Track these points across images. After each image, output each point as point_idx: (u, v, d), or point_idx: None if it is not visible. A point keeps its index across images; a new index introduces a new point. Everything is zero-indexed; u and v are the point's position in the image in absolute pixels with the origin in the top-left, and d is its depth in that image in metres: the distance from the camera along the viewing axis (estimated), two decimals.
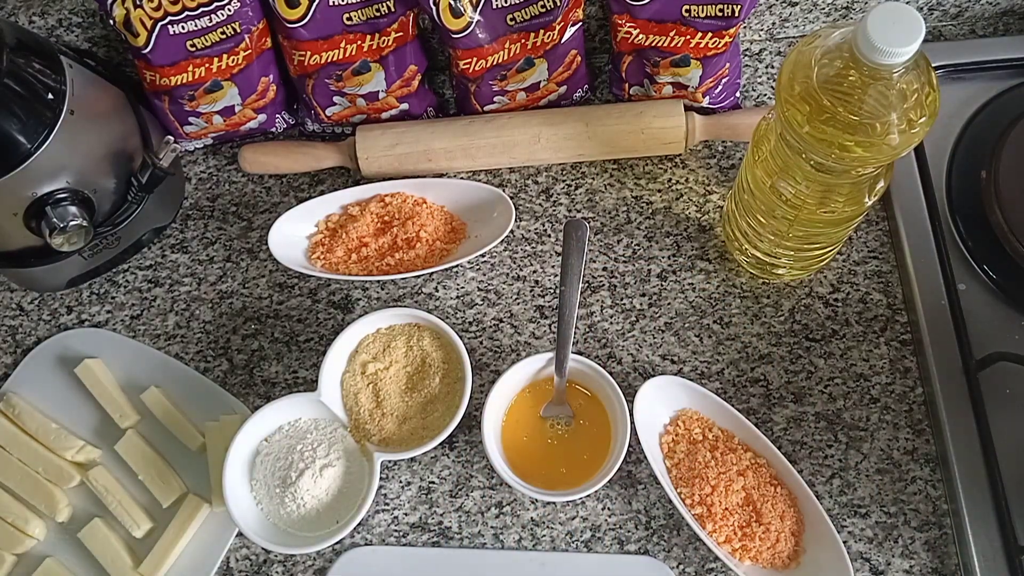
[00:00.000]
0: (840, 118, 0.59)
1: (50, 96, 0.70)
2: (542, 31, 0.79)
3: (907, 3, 0.84)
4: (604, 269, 0.82)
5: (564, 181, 0.86)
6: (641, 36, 0.80)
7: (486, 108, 0.86)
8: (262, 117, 0.86)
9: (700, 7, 0.76)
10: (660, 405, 0.75)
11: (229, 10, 0.76)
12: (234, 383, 0.80)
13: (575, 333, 0.78)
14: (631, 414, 0.71)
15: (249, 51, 0.79)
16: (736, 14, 0.76)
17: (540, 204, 0.85)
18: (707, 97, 0.84)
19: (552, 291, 0.82)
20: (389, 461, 0.76)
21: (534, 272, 0.83)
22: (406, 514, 0.75)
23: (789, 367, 0.78)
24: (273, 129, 0.88)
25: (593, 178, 0.86)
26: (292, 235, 0.82)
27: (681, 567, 0.72)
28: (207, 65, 0.79)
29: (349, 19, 0.77)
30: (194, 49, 0.77)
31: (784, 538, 0.70)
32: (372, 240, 0.81)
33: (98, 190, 0.76)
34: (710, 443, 0.73)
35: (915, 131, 0.59)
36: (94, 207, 0.76)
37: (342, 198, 0.83)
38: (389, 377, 0.76)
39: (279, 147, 0.86)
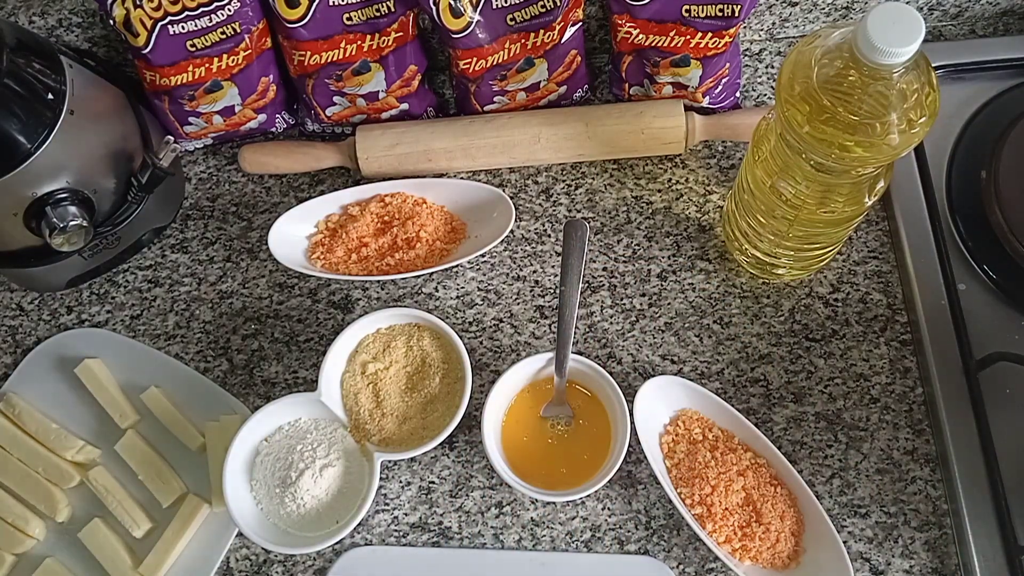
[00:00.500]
0: (840, 118, 0.59)
1: (50, 96, 0.70)
2: (542, 31, 0.79)
3: (907, 3, 0.84)
4: (604, 269, 0.82)
5: (564, 181, 0.86)
6: (641, 36, 0.80)
7: (486, 108, 0.86)
8: (262, 117, 0.86)
9: (700, 7, 0.76)
10: (660, 405, 0.75)
11: (229, 10, 0.76)
12: (234, 383, 0.80)
13: (575, 333, 0.78)
14: (631, 414, 0.71)
15: (249, 51, 0.79)
16: (736, 14, 0.76)
17: (540, 204, 0.85)
18: (707, 97, 0.84)
19: (552, 291, 0.82)
20: (389, 461, 0.76)
21: (534, 272, 0.83)
22: (406, 514, 0.75)
23: (789, 367, 0.78)
24: (273, 129, 0.88)
25: (593, 178, 0.86)
26: (292, 235, 0.82)
27: (681, 567, 0.72)
28: (207, 65, 0.79)
29: (349, 19, 0.77)
30: (194, 49, 0.77)
31: (784, 538, 0.70)
32: (372, 240, 0.81)
33: (98, 190, 0.76)
34: (710, 443, 0.73)
35: (915, 131, 0.59)
36: (94, 207, 0.76)
37: (342, 198, 0.83)
38: (389, 377, 0.76)
39: (279, 147, 0.86)
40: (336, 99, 0.83)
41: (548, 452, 0.73)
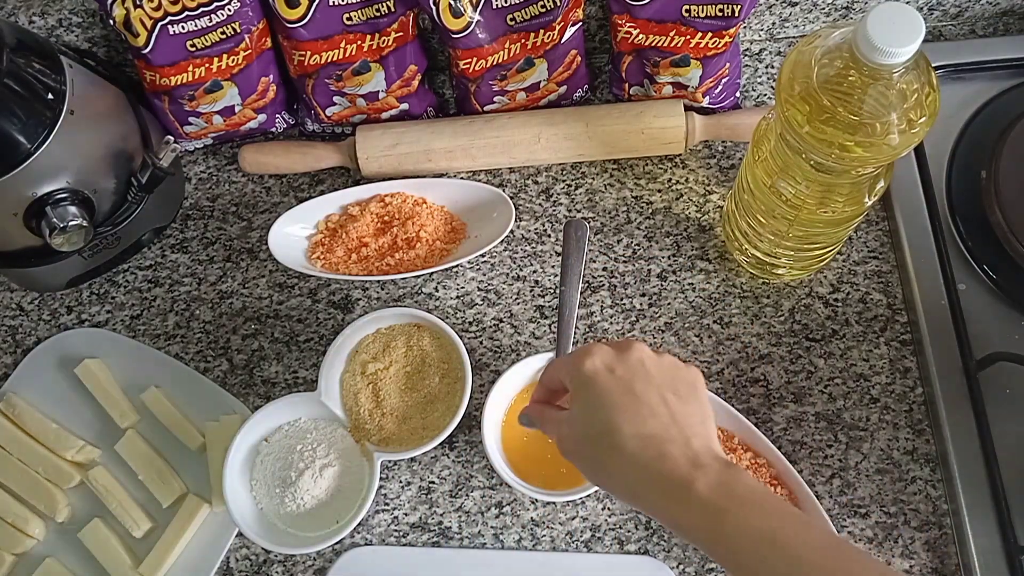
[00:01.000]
0: (840, 118, 0.59)
1: (50, 96, 0.70)
2: (542, 31, 0.79)
3: (907, 3, 0.84)
4: (604, 269, 0.82)
5: (564, 181, 0.86)
6: (641, 36, 0.80)
7: (486, 108, 0.86)
8: (262, 117, 0.86)
9: (700, 7, 0.76)
10: None
11: (229, 10, 0.76)
12: (234, 383, 0.80)
13: (575, 333, 0.78)
14: None
15: (249, 51, 0.79)
16: (736, 14, 0.76)
17: (540, 204, 0.85)
18: (707, 97, 0.84)
19: (552, 291, 0.82)
20: (389, 461, 0.76)
21: (534, 272, 0.83)
22: (406, 514, 0.75)
23: (789, 367, 0.78)
24: (273, 129, 0.88)
25: (593, 178, 0.86)
26: (292, 235, 0.82)
27: (681, 567, 0.72)
28: (207, 65, 0.79)
29: (349, 19, 0.77)
30: (194, 49, 0.77)
31: None
32: (372, 240, 0.81)
33: (98, 190, 0.76)
34: None
35: (915, 131, 0.59)
36: (94, 207, 0.76)
37: (342, 198, 0.83)
38: (389, 377, 0.76)
39: (279, 147, 0.86)
40: (336, 99, 0.83)
41: (548, 452, 0.73)
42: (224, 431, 0.75)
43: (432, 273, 0.83)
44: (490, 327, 0.81)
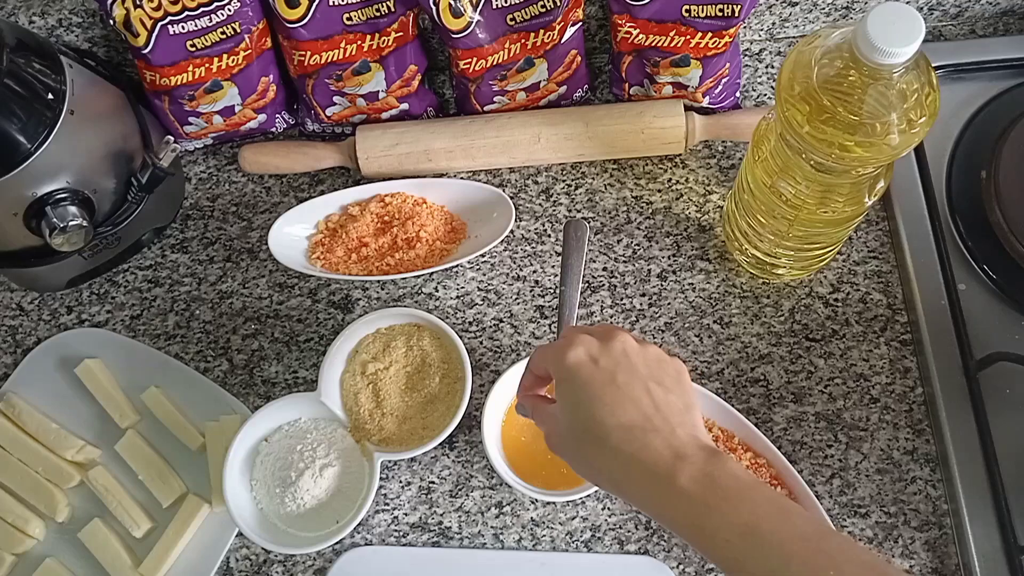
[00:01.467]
0: (840, 118, 0.59)
1: (50, 96, 0.70)
2: (542, 31, 0.79)
3: (907, 3, 0.84)
4: (604, 269, 0.82)
5: (564, 181, 0.86)
6: (641, 36, 0.80)
7: (486, 108, 0.86)
8: (262, 117, 0.86)
9: (700, 7, 0.76)
10: None
11: (229, 10, 0.76)
12: (234, 383, 0.80)
13: None
14: None
15: (249, 51, 0.79)
16: (736, 14, 0.76)
17: (540, 204, 0.85)
18: (707, 97, 0.84)
19: (552, 291, 0.82)
20: (389, 461, 0.76)
21: (534, 272, 0.83)
22: (406, 514, 0.75)
23: (789, 367, 0.78)
24: (273, 129, 0.88)
25: (593, 178, 0.86)
26: (292, 235, 0.82)
27: (681, 567, 0.72)
28: (207, 65, 0.79)
29: (349, 19, 0.77)
30: (194, 49, 0.77)
31: None
32: (372, 240, 0.81)
33: (98, 190, 0.76)
34: None
35: (915, 131, 0.59)
36: (94, 207, 0.76)
37: (342, 198, 0.83)
38: (389, 377, 0.76)
39: (279, 147, 0.86)
40: (336, 99, 0.83)
41: (548, 452, 0.73)
42: (224, 431, 0.75)
43: (432, 273, 0.83)
44: (490, 327, 0.81)
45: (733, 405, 0.74)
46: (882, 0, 0.72)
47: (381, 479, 0.76)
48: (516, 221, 0.84)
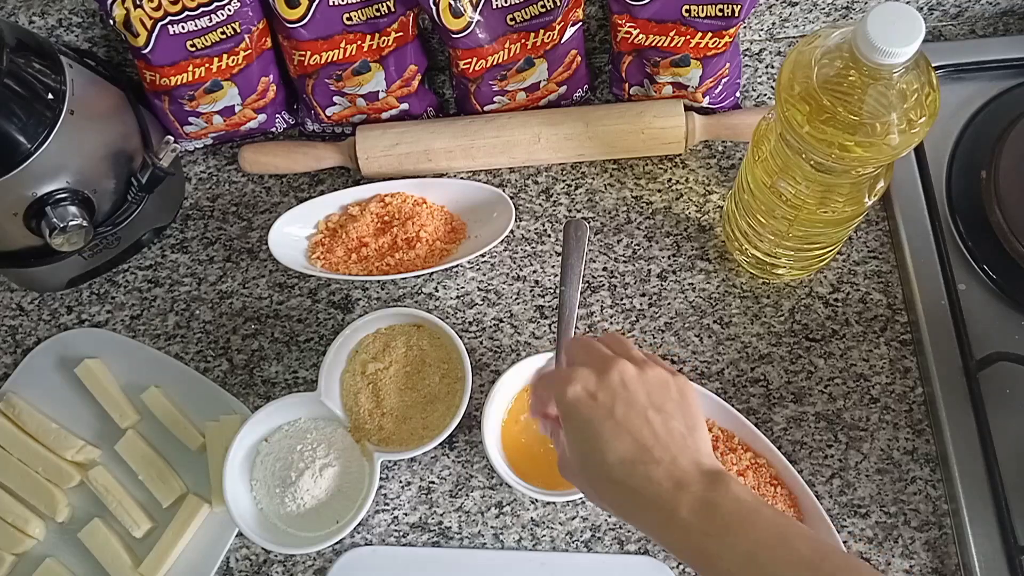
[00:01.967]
0: (840, 118, 0.59)
1: (50, 96, 0.70)
2: (542, 31, 0.79)
3: (907, 3, 0.84)
4: (604, 269, 0.82)
5: (564, 181, 0.86)
6: (641, 36, 0.80)
7: (486, 108, 0.86)
8: (262, 117, 0.86)
9: (700, 7, 0.76)
10: None
11: (229, 10, 0.76)
12: (234, 383, 0.80)
13: (575, 333, 0.78)
14: None
15: (249, 51, 0.79)
16: (736, 14, 0.76)
17: (540, 204, 0.85)
18: (707, 97, 0.84)
19: (552, 291, 0.82)
20: (389, 461, 0.76)
21: (534, 272, 0.83)
22: (406, 514, 0.75)
23: (789, 367, 0.78)
24: (273, 129, 0.88)
25: (593, 178, 0.86)
26: (292, 235, 0.82)
27: (681, 567, 0.72)
28: (207, 65, 0.79)
29: (349, 19, 0.77)
30: (194, 49, 0.77)
31: None
32: (372, 240, 0.81)
33: (98, 190, 0.76)
34: None
35: (915, 131, 0.59)
36: (94, 207, 0.76)
37: (342, 198, 0.83)
38: (389, 377, 0.76)
39: (279, 147, 0.86)
40: (336, 99, 0.83)
41: (548, 452, 0.73)
42: (224, 431, 0.75)
43: (432, 273, 0.83)
44: (490, 327, 0.81)
45: (733, 405, 0.74)
46: (882, 0, 0.72)
47: (381, 479, 0.76)
48: (516, 221, 0.84)
